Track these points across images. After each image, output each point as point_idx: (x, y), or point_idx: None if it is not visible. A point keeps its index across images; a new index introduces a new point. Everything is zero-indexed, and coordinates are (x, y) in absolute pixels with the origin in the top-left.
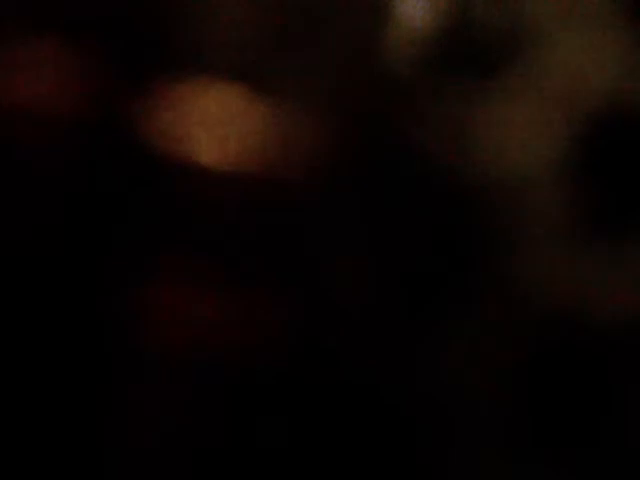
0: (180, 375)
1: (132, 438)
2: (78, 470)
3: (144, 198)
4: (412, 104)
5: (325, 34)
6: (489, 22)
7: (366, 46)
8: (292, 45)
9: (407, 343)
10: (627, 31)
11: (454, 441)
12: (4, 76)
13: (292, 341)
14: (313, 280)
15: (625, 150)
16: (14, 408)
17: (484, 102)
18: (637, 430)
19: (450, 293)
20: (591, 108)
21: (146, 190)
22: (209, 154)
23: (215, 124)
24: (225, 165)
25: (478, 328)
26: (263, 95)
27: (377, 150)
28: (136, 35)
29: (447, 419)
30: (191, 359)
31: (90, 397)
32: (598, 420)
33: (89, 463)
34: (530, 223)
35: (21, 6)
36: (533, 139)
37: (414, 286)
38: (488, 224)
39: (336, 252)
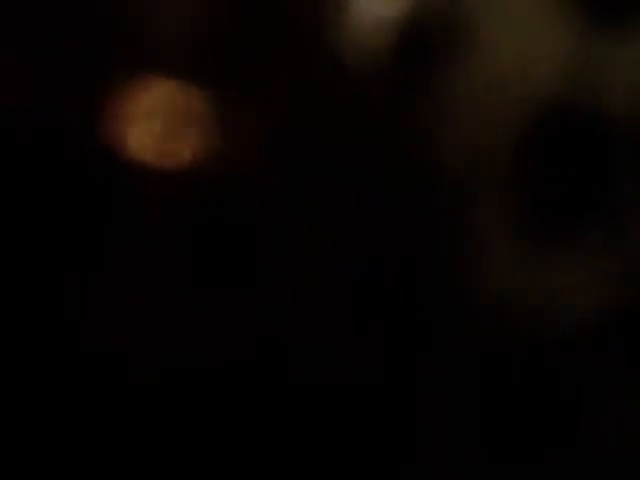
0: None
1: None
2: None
3: (87, 195)
4: (364, 98)
5: (277, 28)
6: (435, 16)
7: (319, 40)
8: (242, 40)
9: (365, 342)
10: (571, 24)
11: (424, 441)
12: None
13: (246, 342)
14: (267, 280)
15: (570, 146)
16: None
17: (428, 95)
18: (604, 432)
19: (397, 292)
20: (535, 103)
21: (90, 188)
22: (152, 151)
23: (160, 121)
24: (170, 162)
25: (436, 332)
26: (211, 91)
27: (330, 145)
28: (78, 31)
29: (414, 420)
30: (142, 360)
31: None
32: (563, 421)
33: None
34: (474, 221)
35: None
36: (476, 135)
37: (366, 287)
38: (433, 220)
39: (289, 251)
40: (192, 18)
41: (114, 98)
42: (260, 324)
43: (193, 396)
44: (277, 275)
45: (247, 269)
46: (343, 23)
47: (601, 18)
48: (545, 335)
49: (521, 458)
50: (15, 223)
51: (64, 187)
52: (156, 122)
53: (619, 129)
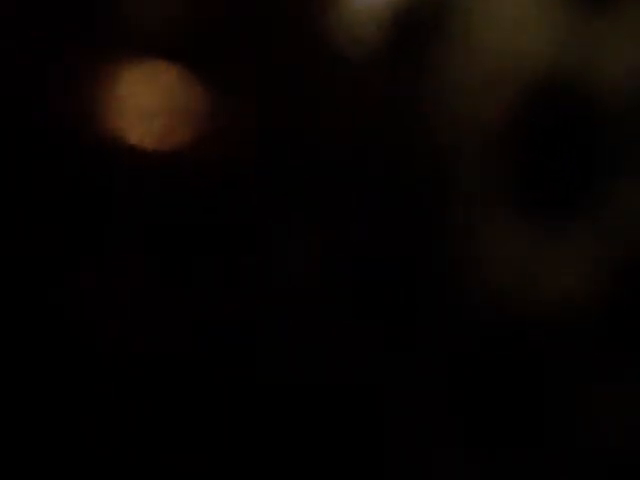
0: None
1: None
2: None
3: (70, 178)
4: (351, 86)
5: (264, 13)
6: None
7: (313, 27)
8: (229, 23)
9: (352, 332)
10: (563, 8)
11: (389, 440)
12: None
13: (245, 340)
14: (252, 265)
15: (562, 123)
16: None
17: (418, 77)
18: (578, 428)
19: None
20: (527, 78)
21: (73, 170)
22: (137, 134)
23: (144, 102)
24: (153, 145)
25: (413, 319)
26: (195, 73)
27: (315, 131)
28: (61, 9)
29: (381, 417)
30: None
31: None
32: (537, 419)
33: None
34: (464, 199)
35: None
36: (468, 112)
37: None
38: (422, 200)
39: (274, 235)
40: (184, 1)
41: (103, 83)
42: (258, 322)
43: (187, 393)
44: (275, 271)
45: (245, 265)
46: (338, 10)
47: (593, 1)
48: (532, 317)
49: (510, 445)
50: (9, 216)
51: (53, 173)
52: (147, 105)
53: (609, 109)
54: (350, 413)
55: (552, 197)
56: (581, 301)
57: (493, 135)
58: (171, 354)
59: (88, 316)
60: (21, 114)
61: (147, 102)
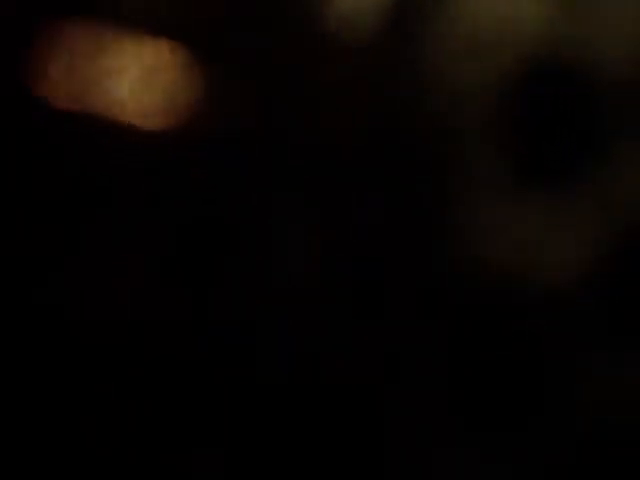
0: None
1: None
2: None
3: (57, 155)
4: (345, 67)
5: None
6: None
7: (305, 6)
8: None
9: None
10: None
11: (385, 425)
12: None
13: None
14: (242, 248)
15: (559, 98)
16: None
17: (412, 53)
18: (572, 410)
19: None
20: (523, 54)
21: (59, 147)
22: (128, 110)
23: (134, 78)
24: (145, 121)
25: (413, 297)
26: (188, 49)
27: (310, 110)
28: None
29: (382, 415)
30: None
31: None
32: (533, 402)
33: None
34: (463, 175)
35: None
36: (465, 88)
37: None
38: (420, 178)
39: (265, 217)
40: None
41: (93, 54)
42: (258, 322)
43: (187, 392)
44: (276, 271)
45: (244, 265)
46: None
47: None
48: (533, 287)
49: (502, 425)
50: None
51: (38, 147)
52: (137, 81)
53: (604, 79)
54: (350, 411)
55: (552, 165)
56: (583, 269)
57: (492, 105)
58: (171, 354)
59: (86, 316)
60: (8, 91)
61: (144, 84)
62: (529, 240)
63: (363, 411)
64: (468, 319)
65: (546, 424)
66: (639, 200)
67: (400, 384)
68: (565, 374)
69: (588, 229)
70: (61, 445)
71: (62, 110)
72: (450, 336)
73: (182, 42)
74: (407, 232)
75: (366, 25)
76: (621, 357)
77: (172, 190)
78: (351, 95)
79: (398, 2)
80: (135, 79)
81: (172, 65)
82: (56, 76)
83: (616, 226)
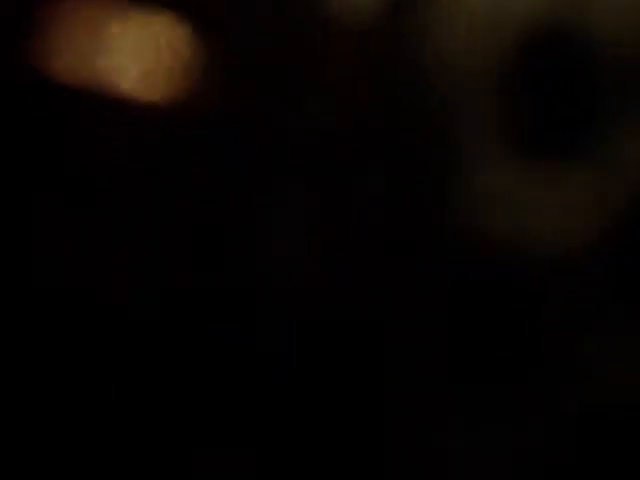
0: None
1: None
2: None
3: (58, 131)
4: (346, 49)
5: None
6: None
7: None
8: None
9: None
10: None
11: (385, 383)
12: None
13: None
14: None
15: (560, 70)
16: None
17: (412, 32)
18: (570, 368)
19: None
20: (523, 29)
21: (60, 122)
22: (129, 85)
23: (136, 53)
24: (147, 97)
25: (412, 264)
26: (189, 26)
27: (310, 92)
28: None
29: (379, 363)
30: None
31: None
32: (531, 357)
33: None
34: (464, 150)
35: None
36: (465, 65)
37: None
38: (417, 151)
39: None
40: None
41: (94, 30)
42: (258, 322)
43: (186, 392)
44: (275, 271)
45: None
46: None
47: None
48: (532, 259)
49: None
50: None
51: (39, 123)
52: (139, 57)
53: (605, 53)
54: (351, 406)
55: (553, 138)
56: (583, 241)
57: (493, 80)
58: (170, 351)
59: (88, 313)
60: (6, 66)
61: (142, 56)
62: (531, 211)
63: (363, 406)
64: (470, 288)
65: (546, 379)
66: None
67: (401, 356)
68: (567, 335)
69: (590, 200)
70: (60, 444)
71: (60, 84)
72: (451, 304)
73: (183, 16)
74: (407, 205)
75: (367, 7)
76: (623, 324)
77: (170, 171)
78: (352, 76)
79: None
80: (136, 54)
81: (173, 40)
82: (55, 51)
83: (618, 197)
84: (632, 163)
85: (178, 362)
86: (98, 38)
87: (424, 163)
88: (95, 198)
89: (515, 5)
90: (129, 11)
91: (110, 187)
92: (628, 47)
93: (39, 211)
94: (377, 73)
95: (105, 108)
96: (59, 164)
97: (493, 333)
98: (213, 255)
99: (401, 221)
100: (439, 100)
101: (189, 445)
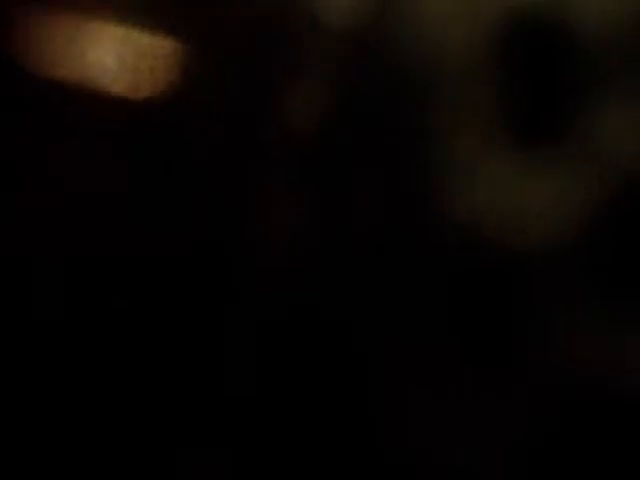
0: None
1: None
2: None
3: (38, 126)
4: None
5: None
6: None
7: None
8: None
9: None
10: None
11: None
12: None
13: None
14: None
15: (544, 53)
16: None
17: (396, 14)
18: (555, 355)
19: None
20: (507, 11)
21: (39, 118)
22: (110, 84)
23: (118, 54)
24: (128, 94)
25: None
26: (171, 25)
27: (297, 86)
28: None
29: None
30: None
31: None
32: (516, 343)
33: None
34: (449, 134)
35: None
36: (449, 48)
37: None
38: (405, 140)
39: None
40: None
41: (71, 27)
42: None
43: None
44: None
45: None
46: None
47: None
48: (520, 248)
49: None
50: None
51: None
52: (120, 56)
53: (589, 33)
54: (350, 401)
55: (538, 121)
56: (570, 229)
57: (477, 63)
58: (169, 350)
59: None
60: None
61: (117, 57)
62: (514, 201)
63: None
64: (454, 275)
65: (525, 376)
66: (627, 152)
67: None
68: (549, 322)
69: (576, 184)
70: (59, 443)
71: (46, 80)
72: (436, 290)
73: (166, 15)
74: (396, 194)
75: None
76: (609, 314)
77: (155, 171)
78: (338, 72)
79: None
80: (121, 53)
81: (156, 39)
82: (40, 48)
83: (604, 180)
84: (614, 153)
85: (163, 363)
86: (78, 36)
87: (409, 155)
88: (79, 196)
89: None
90: (109, 9)
91: (93, 183)
92: (612, 36)
93: (19, 205)
94: (363, 69)
95: (85, 105)
96: (40, 162)
97: (477, 319)
98: (200, 258)
99: (387, 211)
100: (422, 82)
101: (174, 444)
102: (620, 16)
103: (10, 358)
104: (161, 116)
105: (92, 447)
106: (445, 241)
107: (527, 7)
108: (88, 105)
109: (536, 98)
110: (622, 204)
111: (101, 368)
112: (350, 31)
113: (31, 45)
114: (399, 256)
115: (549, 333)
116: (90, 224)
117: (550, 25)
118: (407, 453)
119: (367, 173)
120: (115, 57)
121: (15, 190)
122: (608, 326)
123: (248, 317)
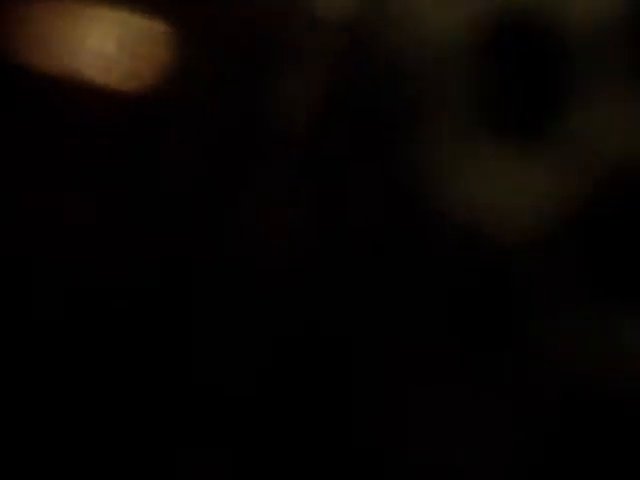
0: None
1: None
2: None
3: (25, 118)
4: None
5: None
6: None
7: None
8: None
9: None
10: None
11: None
12: None
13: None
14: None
15: (529, 47)
16: None
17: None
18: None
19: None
20: (491, 6)
21: (27, 109)
22: (98, 74)
23: (106, 42)
24: (112, 85)
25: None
26: (163, 14)
27: (291, 80)
28: None
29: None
30: None
31: None
32: (515, 343)
33: None
34: (434, 127)
35: None
36: (434, 41)
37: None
38: (390, 132)
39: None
40: None
41: (58, 18)
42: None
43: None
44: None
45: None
46: None
47: None
48: (505, 243)
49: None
50: None
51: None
52: (106, 46)
53: (573, 27)
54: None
55: (523, 114)
56: (553, 224)
57: (461, 57)
58: (169, 350)
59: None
60: None
61: (110, 45)
62: (497, 193)
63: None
64: (442, 267)
65: (530, 364)
66: (612, 146)
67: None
68: (533, 315)
69: (561, 176)
70: (58, 443)
71: (39, 72)
72: (428, 282)
73: (161, 7)
74: (394, 192)
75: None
76: (591, 306)
77: (144, 165)
78: (325, 56)
79: None
80: (115, 43)
81: (146, 30)
82: (33, 40)
83: (589, 172)
84: (598, 145)
85: (163, 363)
86: (66, 26)
87: (390, 138)
88: (78, 195)
89: None
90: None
91: (93, 181)
92: (597, 31)
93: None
94: (360, 65)
95: (74, 96)
96: (30, 153)
97: (477, 318)
98: (191, 257)
99: (385, 208)
100: (406, 76)
101: (174, 444)
102: (605, 13)
103: (10, 358)
104: (152, 109)
105: (92, 447)
106: (443, 239)
107: (513, 3)
108: (85, 97)
109: (523, 95)
110: (609, 198)
111: (101, 368)
112: (346, 26)
113: (25, 33)
114: (399, 255)
115: (549, 333)
116: (90, 224)
117: (535, 21)
118: (407, 453)
119: (364, 170)
120: (114, 44)
121: (15, 190)
122: (607, 326)
123: (248, 317)
